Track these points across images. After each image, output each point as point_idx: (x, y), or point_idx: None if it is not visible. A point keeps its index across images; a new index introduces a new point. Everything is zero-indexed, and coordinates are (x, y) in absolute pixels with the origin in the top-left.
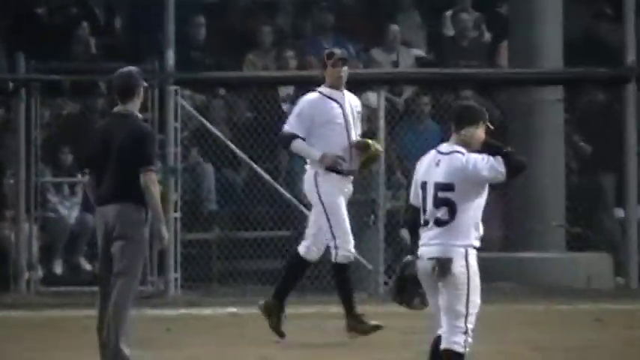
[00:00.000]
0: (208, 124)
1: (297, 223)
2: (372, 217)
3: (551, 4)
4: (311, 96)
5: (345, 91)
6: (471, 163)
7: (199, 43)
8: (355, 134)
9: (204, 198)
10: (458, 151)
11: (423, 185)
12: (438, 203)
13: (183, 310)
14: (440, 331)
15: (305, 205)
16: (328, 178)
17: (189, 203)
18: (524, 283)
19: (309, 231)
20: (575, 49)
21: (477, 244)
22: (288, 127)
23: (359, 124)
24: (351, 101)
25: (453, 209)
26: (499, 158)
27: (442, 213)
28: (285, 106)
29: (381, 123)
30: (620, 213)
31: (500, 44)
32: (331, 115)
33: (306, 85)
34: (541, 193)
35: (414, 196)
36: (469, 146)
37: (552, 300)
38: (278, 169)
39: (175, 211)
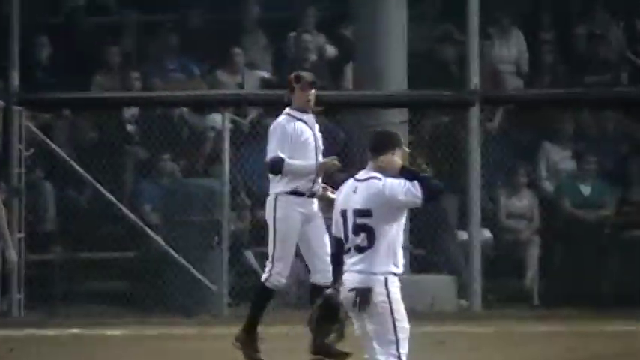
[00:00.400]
0: (53, 145)
1: (140, 244)
2: (216, 238)
3: (395, 26)
4: (282, 119)
5: (311, 115)
6: (387, 188)
7: (44, 64)
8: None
9: (43, 218)
10: (375, 177)
11: (343, 213)
12: (357, 230)
13: (27, 331)
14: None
15: (149, 226)
16: (287, 203)
17: (31, 224)
18: None
19: (309, 259)
20: (420, 71)
21: (398, 270)
22: (273, 155)
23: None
24: (315, 124)
25: (371, 235)
26: (416, 183)
27: (361, 239)
28: (129, 127)
29: (226, 144)
30: (463, 235)
31: (346, 66)
32: (303, 137)
33: (151, 105)
34: None
35: (335, 227)
36: (386, 172)
37: None
38: (122, 190)
39: (20, 232)
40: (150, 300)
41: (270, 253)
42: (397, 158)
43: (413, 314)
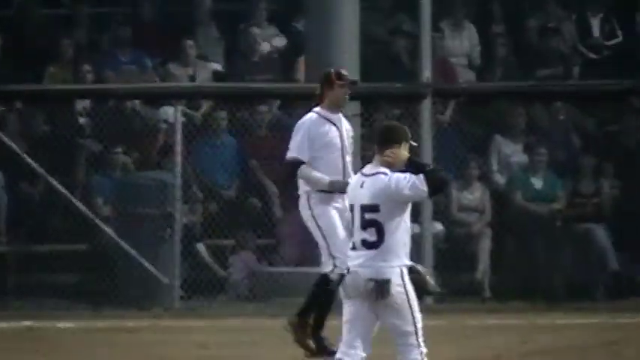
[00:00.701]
0: (4, 137)
1: (93, 237)
2: (169, 230)
3: (347, 19)
4: (310, 118)
5: (340, 114)
6: (393, 183)
7: None
8: (349, 157)
9: None
10: (381, 172)
11: (351, 208)
12: (365, 225)
13: None
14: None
15: (101, 219)
16: (320, 199)
17: None
18: None
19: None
20: (373, 64)
21: (409, 262)
22: (292, 153)
23: (351, 148)
24: (345, 124)
25: (380, 230)
26: (421, 176)
27: (369, 234)
28: (81, 120)
29: (178, 137)
30: (415, 229)
31: (298, 58)
32: (329, 137)
33: (103, 98)
34: None
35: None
36: (393, 166)
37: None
38: (74, 183)
39: None
40: (102, 293)
41: (324, 250)
42: (404, 151)
43: None
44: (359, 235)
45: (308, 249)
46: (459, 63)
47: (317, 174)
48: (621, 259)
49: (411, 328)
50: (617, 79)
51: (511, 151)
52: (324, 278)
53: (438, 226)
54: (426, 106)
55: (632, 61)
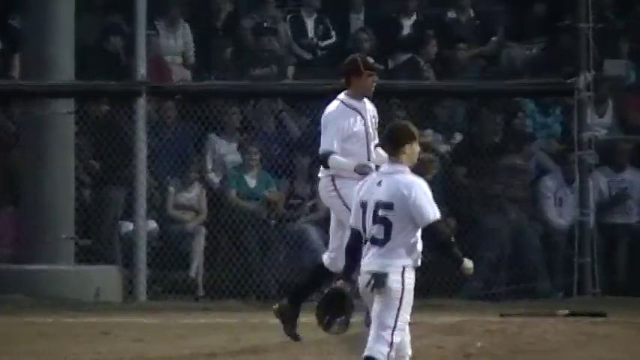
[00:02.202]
0: None
1: None
2: None
3: (63, 16)
4: (337, 109)
5: (365, 99)
6: (413, 195)
7: None
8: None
9: None
10: (399, 171)
11: (363, 204)
12: (376, 221)
13: None
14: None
15: None
16: (346, 181)
17: None
18: (34, 296)
19: (334, 242)
20: (89, 61)
21: (416, 263)
22: (327, 147)
23: (376, 132)
24: (369, 109)
25: (388, 228)
26: (438, 223)
27: (377, 230)
28: None
29: None
30: (129, 226)
31: (14, 56)
32: (356, 128)
33: None
34: (51, 205)
35: (354, 218)
36: (411, 162)
37: (61, 313)
38: None
39: None
40: None
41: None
42: (416, 147)
43: (78, 305)
44: (370, 231)
45: (22, 245)
46: (174, 62)
47: (344, 160)
48: None
49: (390, 322)
50: (331, 79)
51: (226, 149)
52: (321, 267)
53: (152, 224)
54: (141, 105)
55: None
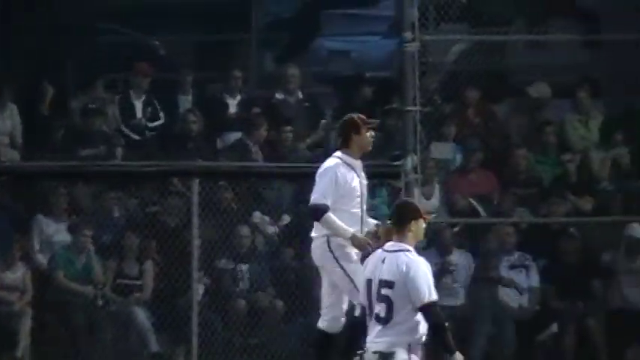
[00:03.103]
0: None
1: None
2: None
3: None
4: (335, 164)
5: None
6: (411, 274)
7: None
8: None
9: None
10: (404, 250)
11: (368, 283)
12: (380, 299)
13: None
14: None
15: None
16: (340, 244)
17: None
18: None
19: (326, 302)
20: None
21: (420, 340)
22: (319, 197)
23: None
24: (362, 172)
25: (390, 306)
26: (436, 308)
27: (380, 309)
28: None
29: None
30: None
31: None
32: (351, 186)
33: None
34: None
35: (362, 296)
36: (417, 238)
37: None
38: None
39: None
40: None
41: (352, 292)
42: (422, 224)
43: None
44: (375, 308)
45: None
46: (1, 142)
47: (341, 224)
48: (161, 340)
49: None
50: (159, 160)
51: (53, 230)
52: (321, 333)
53: None
54: None
55: (174, 142)
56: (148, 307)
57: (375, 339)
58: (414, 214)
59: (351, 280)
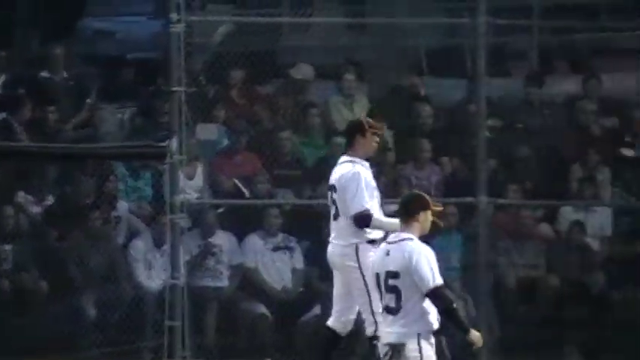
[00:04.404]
0: None
1: None
2: None
3: None
4: (358, 168)
5: None
6: (414, 261)
7: None
8: None
9: None
10: (406, 239)
11: (377, 276)
12: (388, 290)
13: None
14: None
15: None
16: (366, 252)
17: None
18: None
19: (338, 305)
20: None
21: (431, 328)
22: (361, 204)
23: None
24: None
25: (399, 296)
26: (440, 290)
27: (389, 299)
28: None
29: None
30: None
31: None
32: (373, 186)
33: None
34: None
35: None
36: (423, 230)
37: None
38: None
39: None
40: None
41: (366, 306)
42: (429, 216)
43: None
44: (384, 300)
45: None
46: None
47: (387, 219)
48: None
49: None
50: None
51: None
52: (329, 330)
53: None
54: None
55: None
56: None
57: (387, 329)
58: (424, 204)
59: (369, 296)
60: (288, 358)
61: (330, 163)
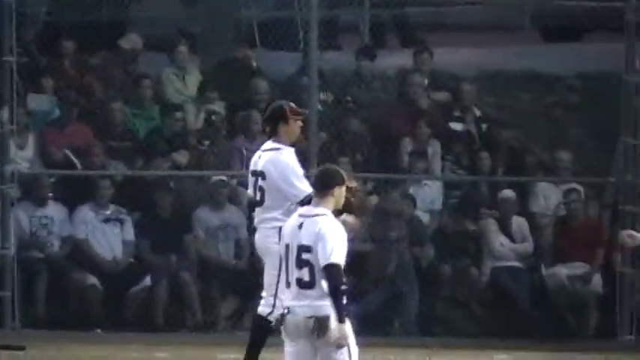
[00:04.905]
0: None
1: None
2: None
3: None
4: (289, 153)
5: None
6: (320, 238)
7: None
8: None
9: None
10: (320, 214)
11: (287, 247)
12: (301, 264)
13: None
14: None
15: None
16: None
17: None
18: None
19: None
20: None
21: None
22: (304, 187)
23: None
24: None
25: (312, 270)
26: (337, 262)
27: (304, 274)
28: None
29: None
30: None
31: None
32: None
33: None
34: None
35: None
36: (337, 205)
37: None
38: None
39: None
40: None
41: (271, 287)
42: (343, 192)
43: None
44: (294, 274)
45: None
46: None
47: None
48: None
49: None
50: None
51: None
52: (262, 318)
53: None
54: None
55: None
56: None
57: (302, 302)
58: (339, 179)
59: (278, 277)
60: (118, 329)
61: (162, 135)
